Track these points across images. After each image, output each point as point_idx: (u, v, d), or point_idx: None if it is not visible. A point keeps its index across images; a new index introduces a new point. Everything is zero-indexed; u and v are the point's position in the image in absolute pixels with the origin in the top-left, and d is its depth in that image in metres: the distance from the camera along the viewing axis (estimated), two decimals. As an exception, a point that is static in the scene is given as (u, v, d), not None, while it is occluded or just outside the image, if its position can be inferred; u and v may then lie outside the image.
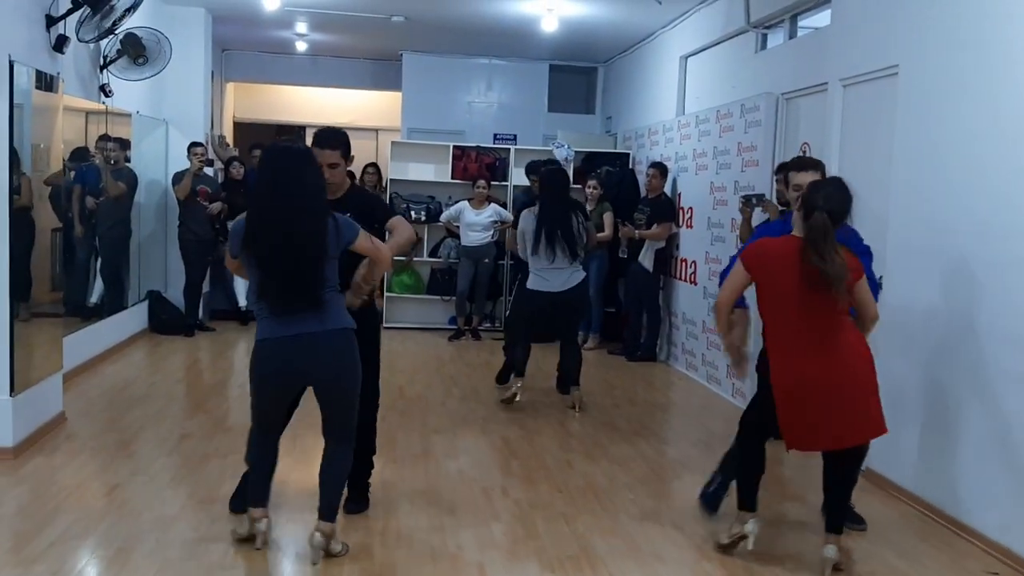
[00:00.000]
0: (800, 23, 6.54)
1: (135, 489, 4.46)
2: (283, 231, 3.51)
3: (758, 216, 5.86)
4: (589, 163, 9.80)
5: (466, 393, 6.84)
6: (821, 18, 6.37)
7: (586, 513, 4.42)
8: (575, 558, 3.91)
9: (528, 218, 6.34)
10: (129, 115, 8.14)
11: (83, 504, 4.23)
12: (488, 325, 9.49)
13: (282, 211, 3.53)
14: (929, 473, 4.61)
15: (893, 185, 5.00)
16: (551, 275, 6.21)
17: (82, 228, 7.58)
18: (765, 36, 6.96)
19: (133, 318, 8.46)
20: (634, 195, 9.13)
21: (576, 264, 6.26)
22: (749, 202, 5.75)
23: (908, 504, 4.69)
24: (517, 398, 6.35)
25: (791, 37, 6.57)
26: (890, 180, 5.02)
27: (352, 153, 4.07)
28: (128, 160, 8.31)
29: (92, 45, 6.58)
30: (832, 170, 5.64)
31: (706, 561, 3.92)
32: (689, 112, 8.33)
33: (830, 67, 5.73)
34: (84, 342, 7.06)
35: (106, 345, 7.59)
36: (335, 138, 4.01)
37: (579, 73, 11.93)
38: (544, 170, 6.73)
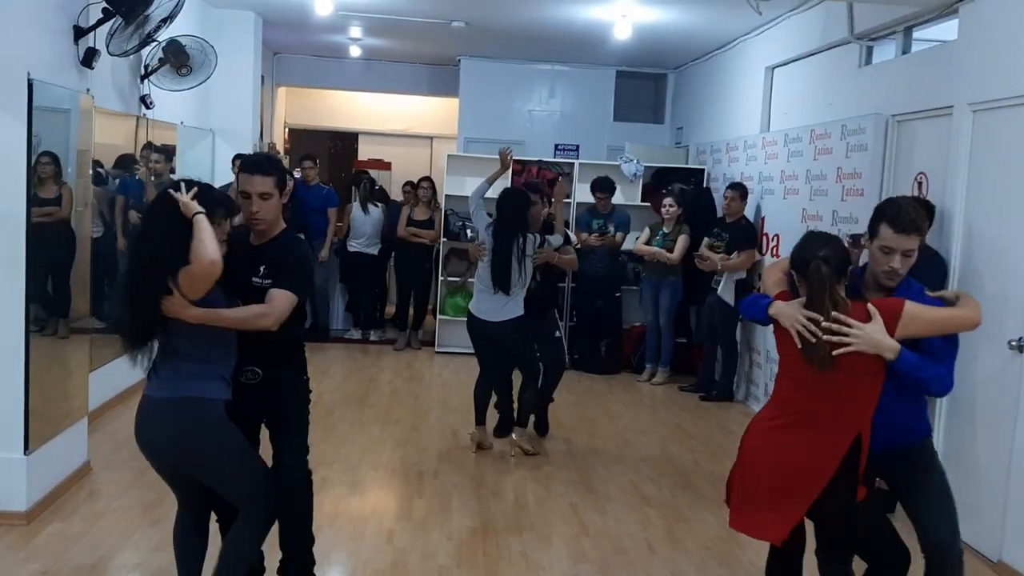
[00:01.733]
0: (915, 35, 5.76)
1: (157, 570, 3.91)
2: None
3: (864, 257, 5.13)
4: (660, 180, 9.10)
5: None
6: (940, 31, 5.61)
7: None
8: None
9: (482, 234, 5.85)
10: (174, 125, 7.66)
11: (95, 593, 3.70)
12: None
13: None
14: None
15: (1041, 232, 4.24)
16: (489, 301, 5.67)
17: (124, 242, 7.14)
18: (871, 49, 6.19)
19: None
20: (710, 216, 8.39)
21: (511, 296, 5.61)
22: (857, 242, 5.01)
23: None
24: (481, 447, 5.84)
25: (904, 52, 5.80)
26: (1036, 225, 4.27)
27: (288, 185, 3.45)
28: (173, 172, 7.84)
29: (131, 55, 6.07)
30: (957, 210, 4.92)
31: None
32: (775, 129, 7.58)
33: (957, 88, 4.97)
34: (119, 371, 6.57)
35: (141, 373, 7.08)
36: (267, 163, 3.40)
37: (647, 79, 11.21)
38: (504, 190, 6.04)
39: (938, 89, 5.17)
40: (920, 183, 5.33)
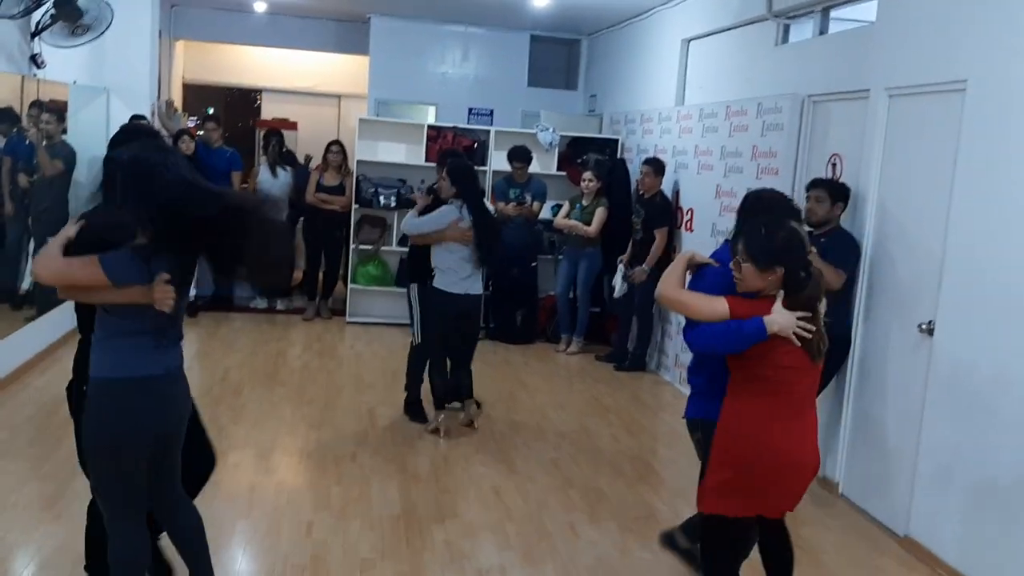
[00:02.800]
0: (833, 15, 5.81)
1: (62, 571, 3.70)
2: None
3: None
4: (575, 149, 9.04)
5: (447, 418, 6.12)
6: (857, 10, 5.67)
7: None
8: None
9: (452, 213, 5.53)
10: (66, 85, 7.18)
11: (-5, 602, 3.48)
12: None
13: None
14: (978, 550, 4.05)
15: (953, 217, 4.35)
16: (470, 280, 5.63)
17: (13, 207, 6.70)
18: (788, 27, 6.23)
19: (67, 312, 7.54)
20: (626, 188, 8.41)
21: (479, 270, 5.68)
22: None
23: (958, 586, 4.14)
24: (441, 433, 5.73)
25: (822, 32, 5.85)
26: (949, 210, 4.37)
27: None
28: (65, 133, 7.37)
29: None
30: (871, 192, 5.02)
31: None
32: (691, 103, 7.59)
33: (874, 72, 5.03)
34: (12, 347, 6.22)
35: (37, 347, 6.74)
36: None
37: (561, 44, 11.08)
38: (453, 162, 5.71)
39: (855, 72, 5.23)
40: (835, 164, 5.42)
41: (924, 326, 4.51)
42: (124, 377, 2.89)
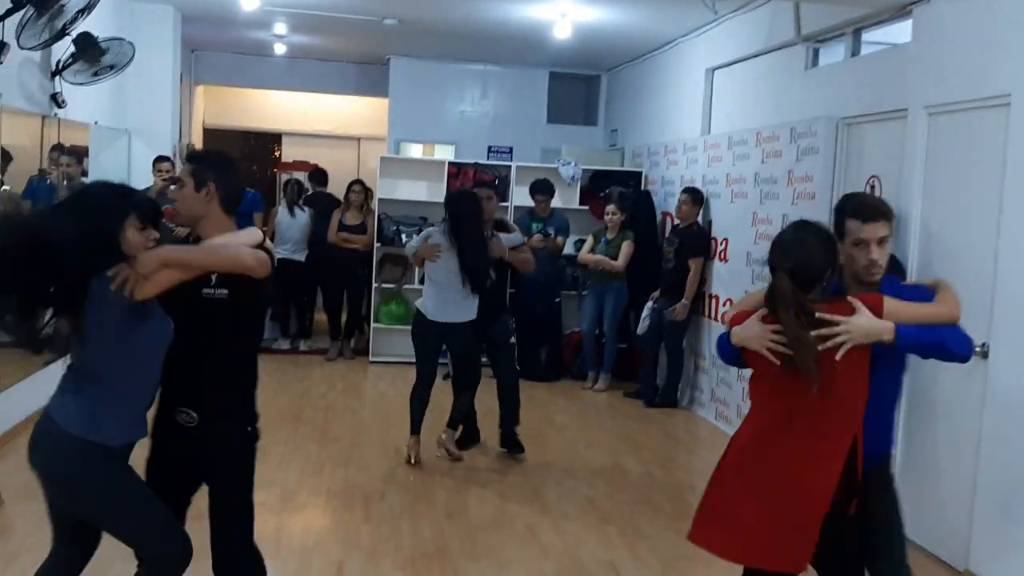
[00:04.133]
0: (864, 37, 5.71)
1: (81, 619, 3.52)
2: None
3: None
4: (597, 182, 8.94)
5: (474, 456, 5.93)
6: (887, 33, 5.57)
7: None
8: None
9: (429, 233, 5.77)
10: (87, 125, 7.15)
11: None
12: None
13: None
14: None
15: (1004, 236, 4.18)
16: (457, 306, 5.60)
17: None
18: (817, 51, 6.13)
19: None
20: (651, 220, 8.29)
21: (471, 297, 5.56)
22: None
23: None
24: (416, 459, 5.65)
25: (854, 54, 5.74)
26: (999, 229, 4.21)
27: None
28: (85, 175, 7.33)
29: (40, 51, 5.61)
30: (913, 213, 4.87)
31: None
32: (717, 131, 7.49)
33: (912, 91, 4.91)
34: (32, 389, 6.07)
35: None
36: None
37: (580, 81, 11.06)
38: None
39: (891, 91, 5.11)
40: (873, 186, 5.27)
41: (978, 349, 4.31)
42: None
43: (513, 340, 6.12)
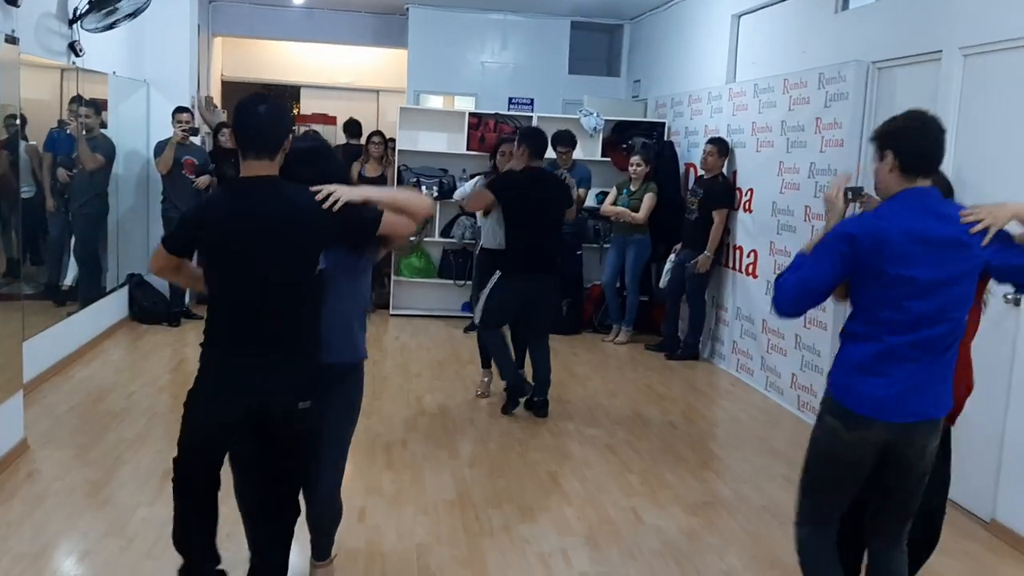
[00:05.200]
0: (897, -22, 5.53)
1: (109, 559, 3.55)
2: None
3: (852, 212, 4.93)
4: (620, 134, 8.81)
5: (495, 404, 5.92)
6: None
7: (672, 593, 3.56)
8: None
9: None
10: (105, 75, 7.11)
11: (40, 587, 3.34)
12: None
13: None
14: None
15: (1039, 180, 4.07)
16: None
17: (54, 202, 6.65)
18: (847, -7, 5.97)
19: (111, 306, 7.50)
20: (673, 171, 8.18)
21: None
22: (846, 196, 4.80)
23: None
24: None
25: (886, -5, 5.58)
26: (1034, 174, 4.10)
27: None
28: (104, 127, 7.30)
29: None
30: (946, 160, 4.72)
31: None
32: (743, 79, 7.34)
33: (946, 32, 4.76)
34: (55, 339, 6.12)
35: (80, 340, 6.66)
36: None
37: (602, 31, 10.87)
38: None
39: (925, 34, 4.96)
40: (904, 133, 5.13)
41: (1010, 296, 4.23)
42: None
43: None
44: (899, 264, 2.63)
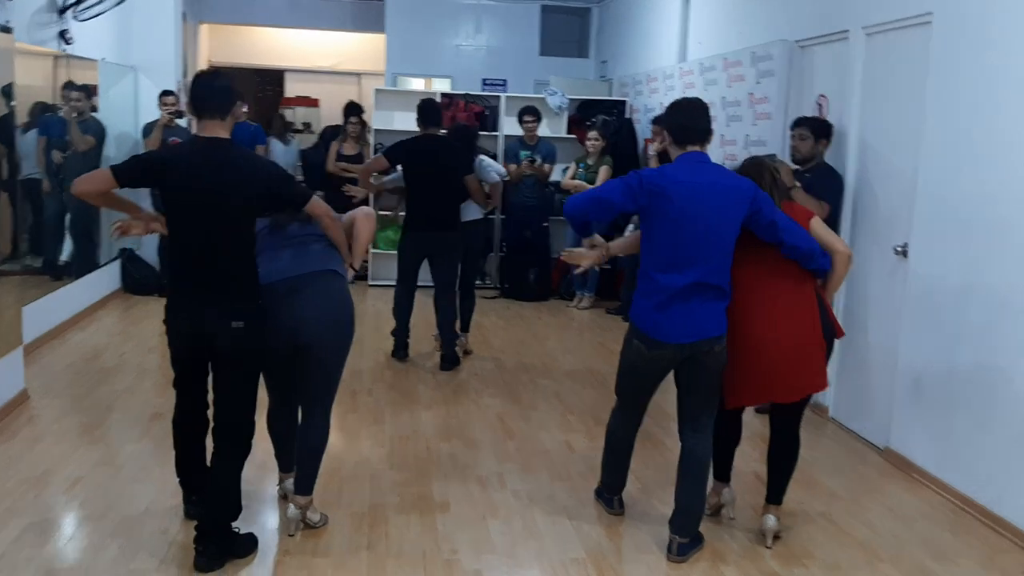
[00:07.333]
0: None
1: (99, 483, 4.09)
2: None
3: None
4: (584, 112, 9.31)
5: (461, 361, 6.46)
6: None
7: (590, 507, 4.09)
8: (580, 561, 3.58)
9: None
10: (95, 62, 7.59)
11: (39, 503, 3.86)
12: (479, 282, 9.07)
13: None
14: (957, 459, 4.29)
15: (924, 146, 4.58)
16: None
17: (49, 183, 7.14)
18: (777, -23, 6.44)
19: (104, 278, 8.02)
20: (631, 146, 8.68)
21: None
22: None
23: (934, 490, 4.38)
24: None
25: (807, -21, 6.06)
26: (920, 141, 4.60)
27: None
28: (95, 110, 7.79)
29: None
30: (852, 128, 5.26)
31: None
32: (692, 59, 7.83)
33: (852, 13, 5.26)
34: (52, 307, 6.64)
35: (76, 309, 7.17)
36: None
37: (572, 14, 11.35)
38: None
39: (836, 14, 5.46)
40: (820, 105, 5.65)
41: (899, 248, 4.75)
42: None
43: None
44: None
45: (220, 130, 3.32)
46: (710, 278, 3.43)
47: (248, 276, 3.38)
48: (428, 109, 6.40)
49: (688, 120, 3.56)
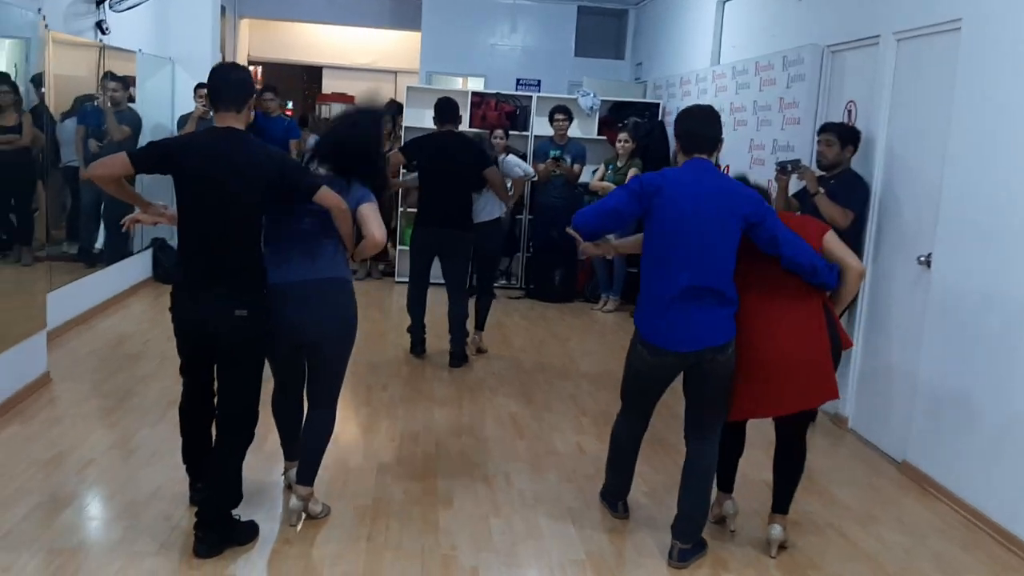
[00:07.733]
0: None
1: (110, 466, 4.15)
2: None
3: (795, 184, 5.38)
4: (617, 113, 9.27)
5: (476, 358, 6.45)
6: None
7: (596, 511, 4.07)
8: (579, 563, 3.56)
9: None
10: (133, 53, 7.72)
11: (51, 484, 3.92)
12: (504, 282, 9.09)
13: None
14: (973, 474, 4.19)
15: (949, 153, 4.49)
16: None
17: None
18: (810, -19, 6.36)
19: (136, 266, 8.15)
20: (663, 149, 8.62)
21: None
22: (784, 169, 5.26)
23: (948, 505, 4.29)
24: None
25: (839, -18, 5.98)
26: (946, 148, 4.51)
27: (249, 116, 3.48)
28: (132, 101, 7.92)
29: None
30: (880, 135, 5.18)
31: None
32: (725, 62, 7.76)
33: (883, 18, 5.17)
34: (81, 292, 6.76)
35: (105, 296, 7.29)
36: None
37: (609, 15, 11.30)
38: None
39: (867, 19, 5.37)
40: (850, 111, 5.56)
41: (923, 258, 4.65)
42: None
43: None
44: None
45: (235, 121, 3.34)
46: (706, 281, 3.37)
47: (255, 266, 3.40)
48: (445, 106, 6.39)
49: (697, 127, 3.52)
